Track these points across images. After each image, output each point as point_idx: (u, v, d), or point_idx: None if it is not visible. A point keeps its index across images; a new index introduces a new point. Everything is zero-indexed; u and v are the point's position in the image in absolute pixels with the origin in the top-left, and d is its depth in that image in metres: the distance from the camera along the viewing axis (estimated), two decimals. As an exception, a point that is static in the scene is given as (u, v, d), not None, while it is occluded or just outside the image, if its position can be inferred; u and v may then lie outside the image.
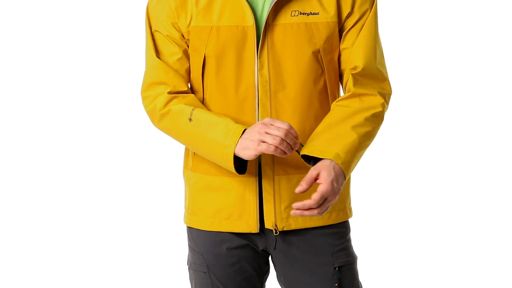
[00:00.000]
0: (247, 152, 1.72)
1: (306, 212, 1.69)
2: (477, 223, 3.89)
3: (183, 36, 1.87)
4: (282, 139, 1.69)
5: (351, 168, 1.79)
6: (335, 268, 1.91)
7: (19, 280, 3.69)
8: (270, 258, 2.00)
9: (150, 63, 1.91)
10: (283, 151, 1.71)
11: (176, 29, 1.87)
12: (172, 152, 3.30)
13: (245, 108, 1.84)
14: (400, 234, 3.86)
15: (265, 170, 1.85)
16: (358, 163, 1.82)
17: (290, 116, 1.84)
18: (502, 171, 3.99)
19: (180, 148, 2.08)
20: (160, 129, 1.92)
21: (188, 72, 1.90)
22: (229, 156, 1.75)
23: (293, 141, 1.71)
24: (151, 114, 1.91)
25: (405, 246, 3.82)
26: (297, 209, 1.68)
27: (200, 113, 1.81)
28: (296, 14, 1.82)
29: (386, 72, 1.92)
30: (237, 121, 1.81)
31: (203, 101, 1.89)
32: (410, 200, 3.94)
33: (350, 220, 2.00)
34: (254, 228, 1.87)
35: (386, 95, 1.90)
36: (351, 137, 1.78)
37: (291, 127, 1.71)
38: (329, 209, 1.75)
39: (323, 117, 1.87)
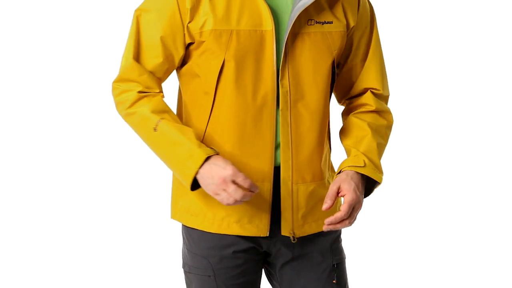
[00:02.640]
0: (206, 188, 1.75)
1: (339, 225, 1.76)
2: (467, 224, 3.93)
3: (184, 37, 1.80)
4: (236, 200, 1.72)
5: (377, 165, 1.86)
6: (333, 265, 1.96)
7: (8, 278, 3.69)
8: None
9: (126, 61, 1.85)
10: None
11: (176, 30, 1.80)
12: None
13: (263, 115, 1.82)
14: (387, 236, 3.89)
15: (284, 177, 1.86)
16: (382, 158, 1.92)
17: (308, 126, 1.86)
18: (492, 179, 4.03)
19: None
20: (125, 121, 1.89)
21: (166, 73, 1.86)
22: (189, 177, 1.75)
23: (248, 198, 1.73)
24: (118, 105, 1.87)
25: (394, 248, 3.85)
26: (329, 224, 1.75)
27: (166, 127, 1.78)
28: (313, 23, 1.82)
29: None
30: (250, 127, 1.82)
31: (213, 104, 1.83)
32: (401, 202, 3.97)
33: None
34: (264, 232, 1.88)
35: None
36: (374, 143, 1.88)
37: (252, 185, 1.72)
38: (356, 219, 1.81)
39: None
